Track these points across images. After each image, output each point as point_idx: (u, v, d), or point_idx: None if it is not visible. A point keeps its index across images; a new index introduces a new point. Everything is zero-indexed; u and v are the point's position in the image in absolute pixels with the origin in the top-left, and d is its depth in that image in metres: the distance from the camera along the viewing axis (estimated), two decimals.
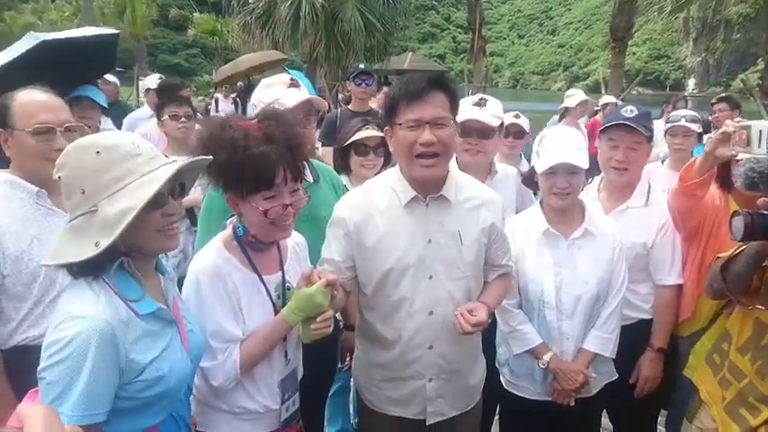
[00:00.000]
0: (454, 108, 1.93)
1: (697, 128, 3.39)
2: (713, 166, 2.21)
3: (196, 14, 32.97)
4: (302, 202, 1.79)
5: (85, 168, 1.37)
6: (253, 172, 1.67)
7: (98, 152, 1.37)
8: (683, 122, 3.36)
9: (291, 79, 2.42)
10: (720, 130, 2.09)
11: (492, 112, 2.76)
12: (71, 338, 1.29)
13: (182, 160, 1.50)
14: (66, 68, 5.58)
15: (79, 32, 5.65)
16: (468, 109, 2.70)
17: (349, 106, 5.36)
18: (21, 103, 2.03)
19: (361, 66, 5.20)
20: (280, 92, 2.35)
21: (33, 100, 2.05)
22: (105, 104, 4.11)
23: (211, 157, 1.60)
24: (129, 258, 1.44)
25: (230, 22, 23.84)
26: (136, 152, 1.40)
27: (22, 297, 1.96)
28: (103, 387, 1.31)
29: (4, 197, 1.99)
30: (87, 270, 1.39)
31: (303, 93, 2.37)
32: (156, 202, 1.40)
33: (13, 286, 1.95)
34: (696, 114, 3.46)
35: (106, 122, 4.31)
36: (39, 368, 1.32)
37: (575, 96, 6.57)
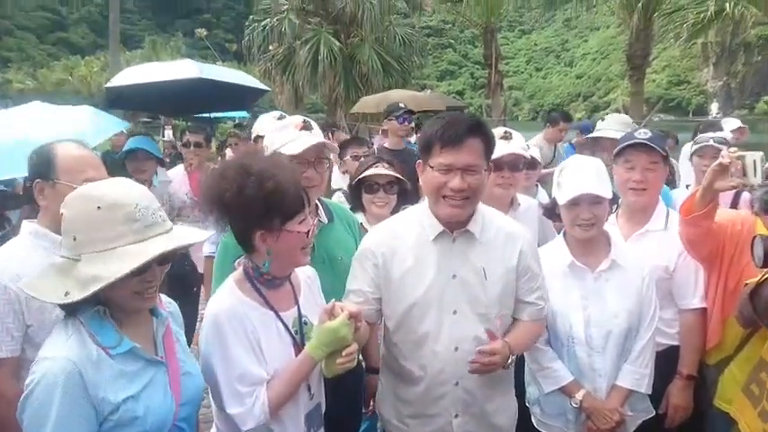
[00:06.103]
0: (489, 154, 1.95)
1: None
2: (714, 199, 2.17)
3: (219, 63, 34.05)
4: (315, 227, 1.86)
5: (83, 219, 1.41)
6: (292, 195, 1.72)
7: (99, 207, 1.40)
8: (711, 143, 3.30)
9: (304, 121, 2.39)
10: (716, 162, 2.07)
11: (519, 144, 2.75)
12: (38, 381, 1.33)
13: (179, 237, 1.49)
14: (203, 101, 6.77)
15: (236, 78, 6.81)
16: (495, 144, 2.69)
17: (385, 144, 5.36)
18: (66, 158, 2.09)
19: (401, 104, 5.23)
20: (292, 134, 2.31)
21: (77, 155, 2.12)
22: (160, 156, 4.17)
23: (199, 239, 1.59)
24: (105, 308, 1.45)
25: (252, 70, 24.51)
26: (134, 217, 1.41)
27: None
28: (74, 424, 1.32)
29: (30, 247, 2.03)
30: (61, 307, 1.43)
31: (315, 136, 2.34)
32: (137, 271, 1.41)
33: (37, 336, 1.95)
34: (724, 137, 3.39)
35: (162, 173, 4.23)
36: (17, 413, 1.35)
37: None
